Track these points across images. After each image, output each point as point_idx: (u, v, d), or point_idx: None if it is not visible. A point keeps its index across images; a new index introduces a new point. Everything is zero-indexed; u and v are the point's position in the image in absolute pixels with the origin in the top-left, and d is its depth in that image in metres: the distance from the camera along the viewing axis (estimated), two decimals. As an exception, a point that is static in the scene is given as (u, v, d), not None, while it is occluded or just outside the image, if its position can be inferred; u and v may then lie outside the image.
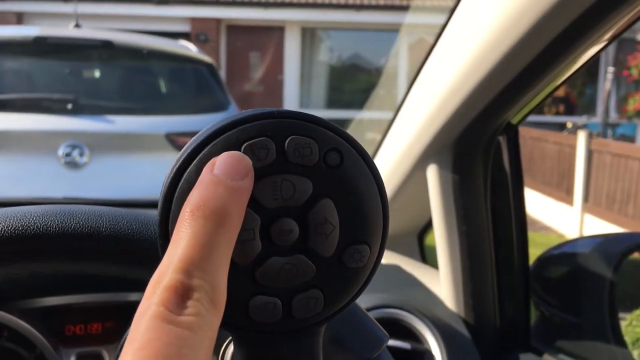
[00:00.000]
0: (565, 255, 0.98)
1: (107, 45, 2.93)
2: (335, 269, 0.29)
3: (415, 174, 0.86)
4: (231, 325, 0.29)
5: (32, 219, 0.40)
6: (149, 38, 3.35)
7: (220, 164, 0.26)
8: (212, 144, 0.28)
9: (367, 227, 0.29)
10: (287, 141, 0.28)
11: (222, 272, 0.23)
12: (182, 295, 0.22)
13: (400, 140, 0.86)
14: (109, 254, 0.41)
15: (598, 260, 0.92)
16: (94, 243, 0.41)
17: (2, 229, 0.39)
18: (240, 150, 0.27)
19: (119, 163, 2.72)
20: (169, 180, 0.28)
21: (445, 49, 0.74)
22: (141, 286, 0.73)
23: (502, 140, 0.79)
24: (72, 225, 0.41)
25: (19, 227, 0.40)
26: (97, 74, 3.19)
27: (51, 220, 0.40)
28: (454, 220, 0.81)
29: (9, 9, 9.85)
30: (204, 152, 0.27)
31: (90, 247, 0.41)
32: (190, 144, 0.28)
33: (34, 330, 0.67)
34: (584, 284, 0.92)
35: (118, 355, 0.70)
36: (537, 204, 6.51)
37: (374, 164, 0.30)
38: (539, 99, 0.73)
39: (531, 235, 0.90)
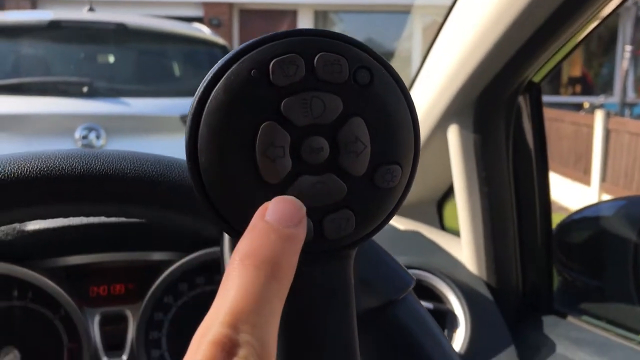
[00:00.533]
0: (587, 220, 0.97)
1: (121, 28, 2.94)
2: (366, 189, 0.29)
3: (437, 135, 0.85)
4: (262, 246, 0.29)
5: (58, 160, 0.40)
6: (162, 21, 3.35)
7: (273, 210, 0.24)
8: (240, 61, 0.27)
9: (398, 147, 0.29)
10: (316, 58, 0.27)
11: (272, 327, 0.21)
12: (228, 351, 0.20)
13: (421, 100, 0.85)
14: (133, 195, 0.41)
15: (621, 223, 0.91)
16: (119, 184, 0.40)
17: (27, 169, 0.39)
18: (268, 67, 0.27)
19: (134, 145, 2.73)
20: (197, 99, 0.27)
21: (464, 7, 0.73)
22: (163, 244, 0.73)
23: (524, 99, 0.78)
24: (97, 167, 0.40)
25: (44, 168, 0.40)
26: (111, 56, 3.20)
27: (76, 162, 0.40)
28: (475, 181, 0.80)
29: (23, -4, 9.89)
30: (232, 69, 0.27)
31: (115, 189, 0.41)
32: (218, 63, 0.28)
33: (59, 289, 0.68)
34: (607, 247, 0.91)
35: None
36: (554, 184, 6.45)
37: (404, 83, 0.29)
38: (561, 55, 0.72)
39: None
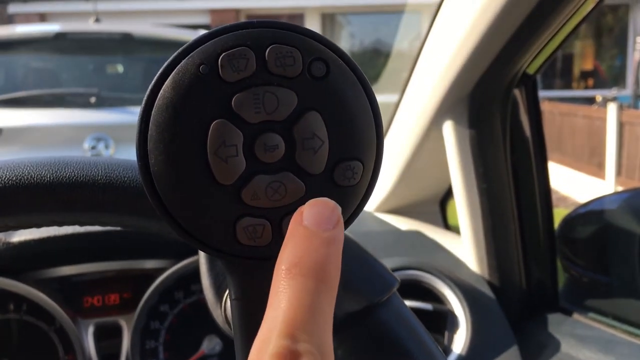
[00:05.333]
0: (592, 213, 0.94)
1: (127, 37, 2.95)
2: (326, 188, 0.27)
3: (433, 132, 0.84)
4: (219, 250, 0.28)
5: (27, 169, 0.39)
6: (168, 29, 3.36)
7: (309, 214, 0.24)
8: (189, 56, 0.26)
9: (358, 142, 0.27)
10: (267, 50, 0.26)
11: (328, 333, 0.21)
12: None
13: (415, 98, 0.83)
14: (104, 203, 0.40)
15: (628, 216, 0.89)
16: (90, 192, 0.39)
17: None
18: (217, 62, 0.26)
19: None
20: (145, 98, 0.26)
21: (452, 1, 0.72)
22: (156, 252, 0.72)
23: (520, 92, 0.76)
24: (66, 174, 0.39)
25: (12, 178, 0.39)
26: (118, 66, 3.22)
27: (46, 170, 0.39)
28: (473, 178, 0.79)
29: (33, 10, 10.00)
30: (180, 65, 0.26)
31: (86, 197, 0.40)
32: (168, 59, 0.27)
33: (51, 301, 0.67)
34: (614, 241, 0.89)
35: None
36: (568, 179, 6.39)
37: (363, 75, 0.28)
38: (554, 45, 0.70)
39: (562, 211, 0.87)
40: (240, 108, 0.26)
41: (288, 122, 0.26)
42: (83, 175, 0.40)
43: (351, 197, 0.28)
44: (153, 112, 0.26)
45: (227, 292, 0.39)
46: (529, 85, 0.76)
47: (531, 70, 0.74)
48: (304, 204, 0.27)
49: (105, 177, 0.40)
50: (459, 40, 0.69)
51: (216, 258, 0.29)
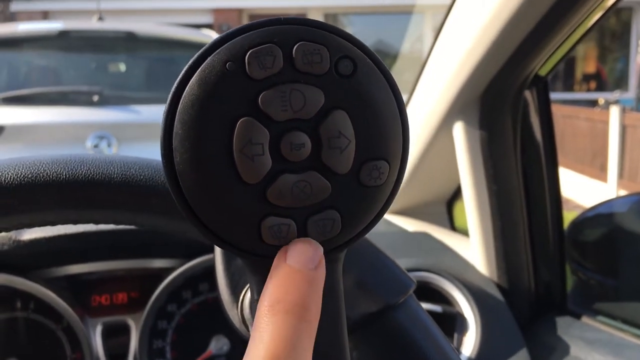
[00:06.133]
0: (601, 216, 0.94)
1: (130, 36, 2.95)
2: (352, 188, 0.27)
3: (442, 133, 0.83)
4: (243, 250, 0.27)
5: (42, 166, 0.39)
6: (171, 28, 3.36)
7: (293, 252, 0.25)
8: (215, 53, 0.26)
9: (385, 141, 0.27)
10: (294, 48, 0.25)
11: None
12: None
13: (425, 98, 0.83)
14: (120, 201, 0.39)
15: (636, 220, 0.88)
16: (106, 190, 0.39)
17: (11, 177, 0.38)
18: (244, 59, 0.25)
19: (146, 152, 2.72)
20: (171, 94, 0.26)
21: (464, 1, 0.71)
22: (165, 251, 0.72)
23: (531, 93, 0.76)
24: (82, 172, 0.39)
25: (28, 175, 0.38)
26: (121, 65, 3.21)
27: (62, 168, 0.39)
28: (483, 179, 0.78)
29: (35, 8, 10.00)
30: (206, 62, 0.26)
31: (102, 195, 0.39)
32: (195, 55, 0.26)
33: (59, 300, 0.67)
34: (622, 244, 0.88)
35: None
36: (570, 182, 6.38)
37: (390, 73, 0.28)
38: (566, 47, 0.70)
39: (565, 214, 0.86)
40: (266, 106, 0.25)
41: (314, 121, 0.26)
42: (99, 173, 0.39)
43: (377, 197, 0.28)
44: (178, 109, 0.26)
45: (243, 292, 0.39)
46: (540, 86, 0.75)
47: (543, 72, 0.73)
48: (330, 204, 0.27)
49: (122, 175, 0.40)
50: (471, 41, 0.68)
51: (239, 257, 0.28)
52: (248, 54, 0.25)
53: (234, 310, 0.39)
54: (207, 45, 0.26)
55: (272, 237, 0.27)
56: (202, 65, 0.26)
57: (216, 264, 0.41)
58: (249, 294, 0.39)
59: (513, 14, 0.63)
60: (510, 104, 0.74)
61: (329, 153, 0.26)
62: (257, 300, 0.29)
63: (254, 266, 0.29)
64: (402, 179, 0.28)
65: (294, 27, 0.26)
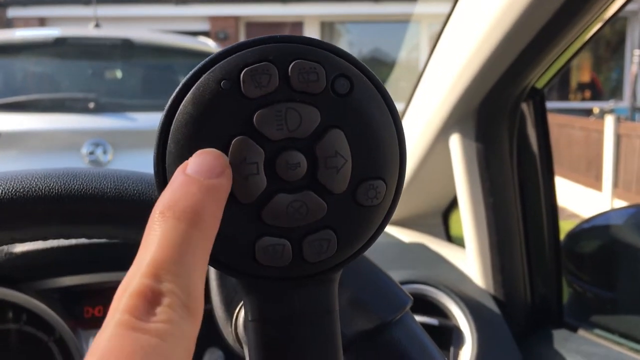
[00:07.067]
0: (597, 228, 0.94)
1: (126, 43, 2.95)
2: (348, 208, 0.27)
3: (438, 145, 0.83)
4: (238, 271, 0.27)
5: (35, 180, 0.38)
6: (167, 35, 3.36)
7: (193, 163, 0.24)
8: (210, 71, 0.25)
9: (382, 160, 0.27)
10: (290, 66, 0.25)
11: (197, 276, 0.21)
12: (150, 301, 0.19)
13: (421, 110, 0.83)
14: (113, 216, 0.39)
15: (633, 232, 0.88)
16: (98, 204, 0.39)
17: (3, 191, 0.37)
18: (239, 77, 0.25)
19: (141, 160, 2.73)
20: (165, 113, 0.26)
21: (462, 13, 0.71)
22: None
23: (528, 106, 0.76)
24: (75, 186, 0.39)
25: (20, 190, 0.38)
26: (117, 72, 3.21)
27: (54, 182, 0.39)
28: (479, 192, 0.78)
29: (32, 14, 10.00)
30: (200, 80, 0.25)
31: (95, 209, 0.39)
32: (189, 73, 0.26)
33: (51, 312, 0.66)
34: (619, 256, 0.88)
35: None
36: (565, 191, 6.40)
37: (387, 92, 0.27)
38: (563, 60, 0.70)
39: (560, 223, 0.86)
40: (262, 125, 0.25)
41: (310, 140, 0.26)
42: (92, 188, 0.39)
43: (373, 217, 0.27)
44: (172, 127, 0.25)
45: (237, 309, 0.39)
46: (537, 99, 0.75)
47: (539, 85, 0.73)
48: (326, 224, 0.26)
49: (115, 189, 0.39)
50: (468, 54, 0.68)
51: (233, 277, 0.28)
52: (243, 72, 0.25)
53: (228, 327, 0.39)
54: (201, 63, 0.26)
55: (267, 258, 0.26)
56: (197, 84, 0.25)
57: (210, 280, 0.41)
58: (242, 312, 0.38)
59: (510, 27, 0.63)
60: (507, 116, 0.74)
61: (325, 173, 0.26)
62: (251, 320, 0.29)
63: (248, 287, 0.28)
64: (398, 198, 0.28)
65: (290, 45, 0.26)
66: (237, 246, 0.26)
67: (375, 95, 0.27)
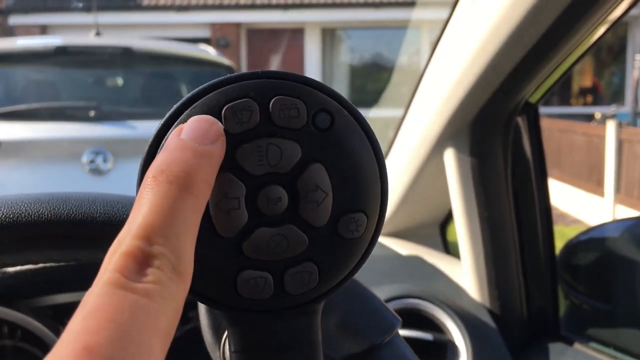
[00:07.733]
0: (594, 241, 0.94)
1: (127, 51, 2.96)
2: (329, 240, 0.27)
3: (433, 159, 0.83)
4: (220, 303, 0.27)
5: (25, 206, 0.39)
6: (168, 43, 3.37)
7: (188, 128, 0.24)
8: (192, 107, 0.26)
9: (363, 193, 0.27)
10: (271, 102, 0.25)
11: (187, 239, 0.21)
12: (140, 262, 0.20)
13: (416, 125, 0.83)
14: (104, 240, 0.39)
15: (631, 244, 0.88)
16: (89, 229, 0.39)
17: None
18: (220, 114, 0.25)
19: (142, 168, 2.73)
20: (147, 148, 0.26)
21: (456, 28, 0.72)
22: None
23: (522, 120, 0.76)
24: (65, 212, 0.39)
25: (9, 215, 0.38)
26: (118, 80, 3.22)
27: (44, 207, 0.39)
28: (474, 206, 0.78)
29: (33, 22, 10.05)
30: (182, 116, 0.26)
31: (85, 234, 0.39)
32: (171, 109, 0.26)
33: (45, 329, 0.66)
34: (616, 269, 0.88)
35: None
36: (567, 196, 6.39)
37: (368, 125, 0.27)
38: (557, 75, 0.70)
39: (562, 228, 0.86)
40: (243, 160, 0.25)
41: (291, 175, 0.26)
42: (81, 213, 0.39)
43: (355, 249, 0.28)
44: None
45: (225, 334, 0.39)
46: (531, 113, 0.76)
47: (533, 99, 0.73)
48: (307, 256, 0.27)
49: (104, 214, 0.40)
50: (462, 68, 0.69)
51: (216, 310, 0.28)
52: (225, 108, 0.25)
53: (216, 352, 0.39)
54: (183, 99, 0.26)
55: (249, 291, 0.26)
56: (179, 120, 0.26)
57: (199, 304, 0.41)
58: None
59: (503, 43, 0.63)
60: (501, 130, 0.74)
61: (306, 207, 0.26)
62: (235, 352, 0.29)
63: (231, 319, 0.29)
64: (380, 230, 0.28)
65: (271, 81, 0.26)
66: (219, 279, 0.26)
67: (356, 129, 0.27)
